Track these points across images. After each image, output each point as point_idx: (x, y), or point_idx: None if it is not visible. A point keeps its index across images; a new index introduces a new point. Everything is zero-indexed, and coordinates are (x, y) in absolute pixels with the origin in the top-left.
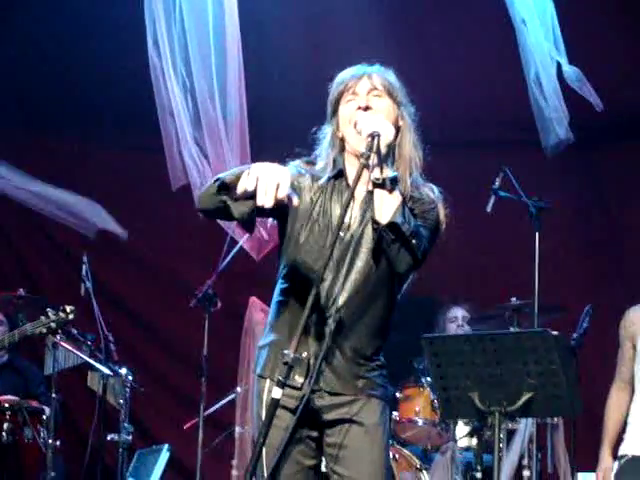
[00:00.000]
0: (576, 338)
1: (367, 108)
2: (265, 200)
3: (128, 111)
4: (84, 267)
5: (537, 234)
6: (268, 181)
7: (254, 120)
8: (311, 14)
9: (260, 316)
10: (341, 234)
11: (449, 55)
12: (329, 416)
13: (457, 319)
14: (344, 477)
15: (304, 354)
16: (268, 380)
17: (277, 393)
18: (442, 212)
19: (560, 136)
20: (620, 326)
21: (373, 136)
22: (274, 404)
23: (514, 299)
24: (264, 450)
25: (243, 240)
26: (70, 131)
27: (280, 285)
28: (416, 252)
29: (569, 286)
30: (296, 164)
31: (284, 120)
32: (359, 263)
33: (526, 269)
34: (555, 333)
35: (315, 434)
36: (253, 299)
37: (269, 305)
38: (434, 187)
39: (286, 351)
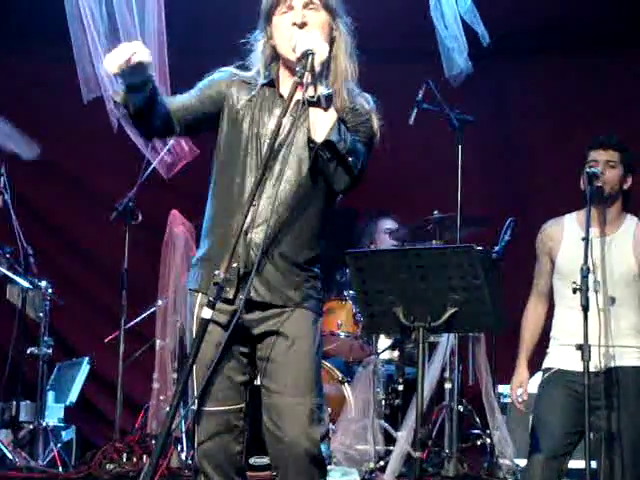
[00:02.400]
0: (498, 251)
1: (303, 25)
2: (109, 64)
3: (37, 21)
4: (2, 178)
5: (460, 147)
6: (123, 48)
7: (173, 33)
8: None
9: (180, 229)
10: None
11: None
12: (258, 330)
13: (391, 230)
14: (270, 390)
15: (234, 264)
16: (200, 294)
17: (207, 313)
18: (376, 122)
19: (460, 66)
20: (537, 240)
21: (307, 54)
22: (204, 324)
23: (436, 212)
24: (195, 367)
25: (158, 159)
26: None
27: (211, 193)
28: (353, 170)
29: (490, 199)
30: (227, 69)
31: (203, 35)
32: (288, 172)
33: (448, 182)
34: (479, 248)
35: (246, 350)
36: (174, 212)
37: (189, 219)
38: (369, 97)
39: (217, 271)
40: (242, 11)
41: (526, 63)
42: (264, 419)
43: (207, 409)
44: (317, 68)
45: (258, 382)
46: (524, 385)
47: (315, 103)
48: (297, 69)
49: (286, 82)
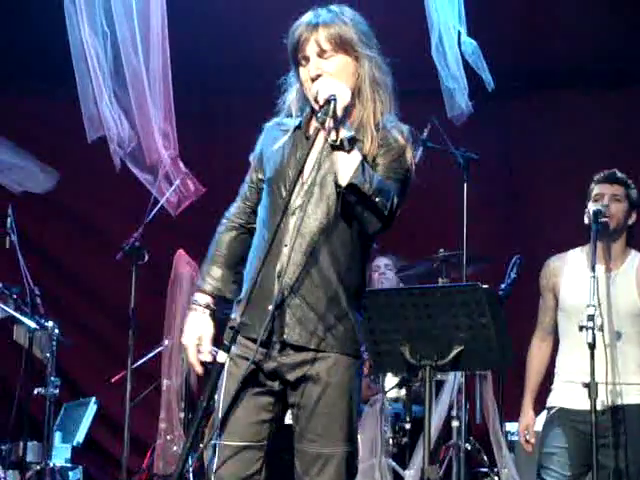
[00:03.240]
0: (504, 289)
1: (317, 77)
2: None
3: (43, 60)
4: (9, 219)
5: (465, 185)
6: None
7: (178, 73)
8: None
9: (186, 269)
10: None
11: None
12: (291, 376)
13: (379, 267)
14: (302, 436)
15: (269, 307)
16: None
17: (222, 357)
18: (410, 155)
19: (461, 106)
20: (541, 276)
21: (329, 100)
22: (218, 369)
23: (442, 250)
24: (219, 401)
25: (164, 198)
26: None
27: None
28: (382, 210)
29: (496, 237)
30: (269, 125)
31: (208, 72)
32: (319, 212)
33: (453, 220)
34: (485, 287)
35: (276, 387)
36: (180, 252)
37: (195, 258)
38: (405, 128)
39: (233, 315)
40: (249, 51)
41: (531, 100)
42: (295, 462)
43: (227, 443)
44: (339, 113)
45: (288, 420)
46: (530, 428)
47: (338, 147)
48: (318, 115)
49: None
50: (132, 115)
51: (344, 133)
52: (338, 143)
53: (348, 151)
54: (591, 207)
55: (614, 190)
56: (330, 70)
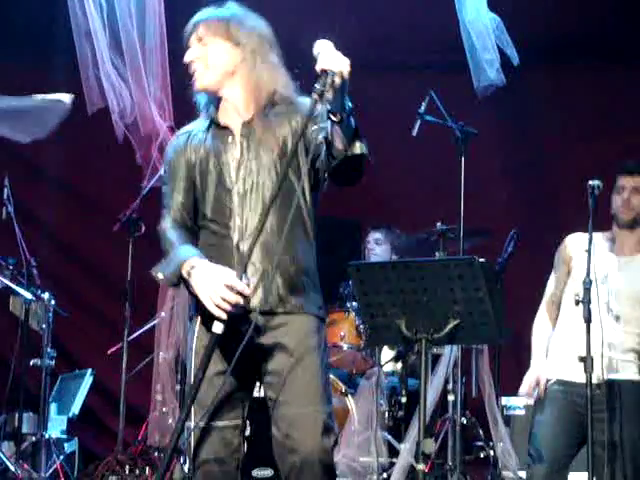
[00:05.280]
0: (500, 262)
1: (191, 62)
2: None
3: (42, 31)
4: (5, 190)
5: (462, 158)
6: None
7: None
8: None
9: None
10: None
11: None
12: (263, 340)
13: (369, 242)
14: (279, 402)
15: (244, 281)
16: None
17: (218, 328)
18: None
19: (491, 78)
20: (559, 249)
21: (327, 72)
22: (214, 338)
23: (439, 224)
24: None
25: (162, 169)
26: None
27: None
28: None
29: (493, 210)
30: (175, 138)
31: None
32: (264, 181)
33: (451, 193)
34: (482, 260)
35: (247, 365)
36: None
37: None
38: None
39: None
40: None
41: (529, 74)
42: (273, 432)
43: (205, 425)
44: (338, 84)
45: (256, 394)
46: (541, 382)
47: (338, 121)
48: (316, 86)
49: (227, 113)
50: (130, 85)
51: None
52: (338, 119)
53: (343, 121)
54: (589, 182)
55: (635, 182)
56: (200, 53)
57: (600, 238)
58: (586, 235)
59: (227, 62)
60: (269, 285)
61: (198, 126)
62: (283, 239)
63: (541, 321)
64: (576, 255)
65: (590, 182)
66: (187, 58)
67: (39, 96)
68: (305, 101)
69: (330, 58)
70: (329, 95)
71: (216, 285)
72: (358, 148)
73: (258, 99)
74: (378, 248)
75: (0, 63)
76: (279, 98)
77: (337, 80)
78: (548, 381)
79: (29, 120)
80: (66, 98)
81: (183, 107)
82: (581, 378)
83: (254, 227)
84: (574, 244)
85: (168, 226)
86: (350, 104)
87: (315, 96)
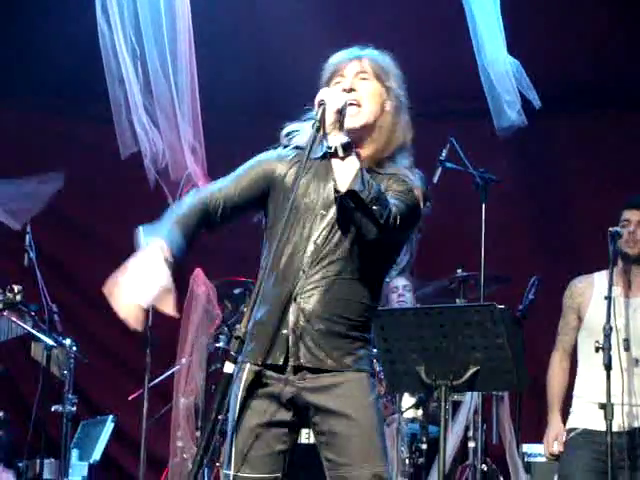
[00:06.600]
0: (522, 309)
1: (351, 90)
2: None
3: (75, 79)
4: (27, 237)
5: (483, 205)
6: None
7: (205, 91)
8: None
9: (202, 289)
10: (302, 202)
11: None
12: (313, 398)
13: (398, 289)
14: (337, 463)
15: (284, 331)
16: (247, 364)
17: (229, 368)
18: (418, 193)
19: (512, 119)
20: (565, 296)
21: (320, 104)
22: (227, 378)
23: (460, 270)
24: (236, 433)
25: None
26: (11, 100)
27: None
28: (378, 219)
29: (514, 257)
30: (281, 148)
31: (234, 95)
32: (333, 234)
33: (472, 240)
34: (501, 307)
35: (289, 418)
36: (197, 270)
37: (211, 278)
38: (416, 171)
39: (237, 325)
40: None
41: (548, 122)
42: None
43: (243, 475)
44: (330, 117)
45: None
46: (560, 438)
47: (334, 153)
48: (313, 121)
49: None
50: (162, 131)
51: (339, 139)
52: (333, 149)
53: (342, 158)
54: (609, 230)
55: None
56: (362, 88)
57: (604, 278)
58: (590, 277)
59: (379, 106)
60: (322, 342)
61: (297, 150)
62: (341, 297)
63: (555, 372)
64: (585, 301)
65: (610, 229)
66: (347, 85)
67: (33, 178)
68: (406, 172)
69: (325, 92)
70: (327, 130)
71: (132, 277)
72: (350, 185)
73: (382, 152)
74: (408, 295)
75: (35, 111)
76: (395, 158)
77: (329, 110)
78: (570, 431)
79: (26, 204)
80: (58, 178)
81: (215, 152)
82: (603, 426)
83: (317, 279)
84: (581, 288)
85: (188, 201)
86: (347, 139)
87: (312, 131)
